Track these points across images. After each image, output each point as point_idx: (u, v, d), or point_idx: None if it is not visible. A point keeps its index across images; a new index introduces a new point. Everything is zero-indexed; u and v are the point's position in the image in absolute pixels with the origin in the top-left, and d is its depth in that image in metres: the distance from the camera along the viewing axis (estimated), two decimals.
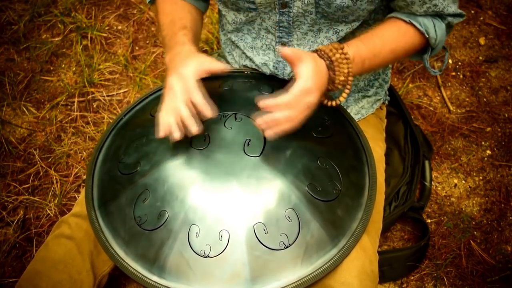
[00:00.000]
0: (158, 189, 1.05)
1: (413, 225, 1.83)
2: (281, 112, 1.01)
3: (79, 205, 1.23)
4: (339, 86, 1.12)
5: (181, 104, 1.05)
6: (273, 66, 1.32)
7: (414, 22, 1.19)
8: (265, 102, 1.01)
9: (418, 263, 1.72)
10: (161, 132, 1.04)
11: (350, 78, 1.12)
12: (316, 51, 1.11)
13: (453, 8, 1.21)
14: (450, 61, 2.31)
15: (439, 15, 1.22)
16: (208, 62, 1.11)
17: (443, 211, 1.86)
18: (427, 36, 1.21)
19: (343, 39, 1.24)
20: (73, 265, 1.14)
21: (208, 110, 1.05)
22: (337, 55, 1.09)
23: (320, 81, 1.06)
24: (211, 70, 1.10)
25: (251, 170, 1.05)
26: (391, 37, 1.20)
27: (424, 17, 1.20)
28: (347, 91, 1.14)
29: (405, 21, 1.20)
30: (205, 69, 1.09)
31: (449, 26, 1.26)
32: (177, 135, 1.04)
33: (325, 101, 1.16)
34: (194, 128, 1.04)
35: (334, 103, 1.17)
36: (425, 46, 1.26)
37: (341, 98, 1.15)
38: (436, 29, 1.21)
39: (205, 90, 1.08)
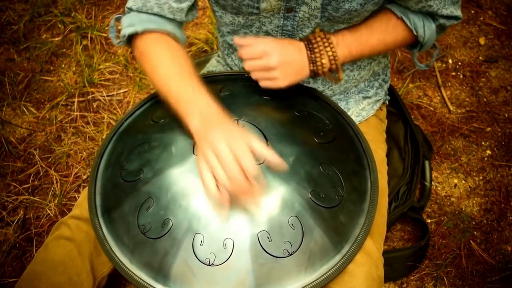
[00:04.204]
0: (161, 197, 1.04)
1: (413, 225, 1.83)
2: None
3: (79, 208, 1.22)
4: (325, 69, 1.20)
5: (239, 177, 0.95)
6: None
7: (405, 19, 1.22)
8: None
9: (418, 263, 1.73)
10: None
11: (338, 63, 1.20)
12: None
13: (448, 10, 1.22)
14: (450, 61, 2.32)
15: (432, 15, 1.24)
16: (257, 144, 0.99)
17: (443, 211, 1.86)
18: (415, 33, 1.25)
19: None
20: (72, 267, 1.14)
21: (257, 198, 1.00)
22: (318, 38, 1.19)
23: (286, 51, 1.17)
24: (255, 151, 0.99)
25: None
26: (380, 28, 1.24)
27: (415, 15, 1.23)
28: (341, 74, 1.23)
29: (396, 15, 1.23)
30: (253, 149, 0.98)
31: (442, 28, 1.29)
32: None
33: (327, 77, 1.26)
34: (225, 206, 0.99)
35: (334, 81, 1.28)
36: (415, 41, 1.30)
37: (340, 75, 1.24)
38: (425, 29, 1.24)
39: None
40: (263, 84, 1.18)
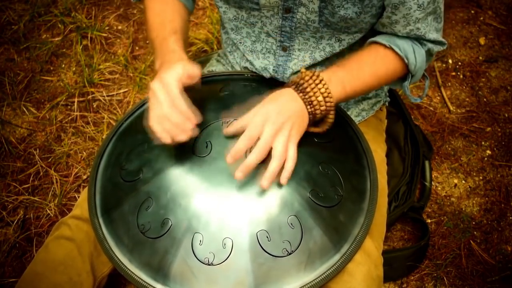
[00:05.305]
0: (161, 197, 1.04)
1: (413, 225, 1.83)
2: (251, 156, 1.02)
3: (79, 208, 1.22)
4: (322, 108, 1.09)
5: (167, 110, 1.03)
6: (273, 70, 1.32)
7: (394, 47, 1.18)
8: (230, 154, 1.02)
9: (418, 263, 1.73)
10: (157, 140, 1.04)
11: (332, 100, 1.10)
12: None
13: (434, 35, 1.20)
14: (450, 61, 2.32)
15: (420, 40, 1.21)
16: (190, 67, 1.08)
17: (443, 211, 1.86)
18: (406, 61, 1.20)
19: (347, 49, 1.25)
20: (73, 267, 1.14)
21: (192, 118, 1.04)
22: (306, 78, 1.09)
23: (277, 104, 1.06)
24: (191, 75, 1.07)
25: (254, 177, 1.04)
26: (370, 60, 1.19)
27: (404, 41, 1.19)
28: (331, 116, 1.13)
29: (385, 45, 1.19)
30: (186, 74, 1.06)
31: (429, 54, 1.25)
32: (168, 141, 1.03)
33: (311, 128, 1.13)
34: (182, 137, 1.02)
35: (319, 130, 1.15)
36: (405, 73, 1.25)
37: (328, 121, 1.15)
38: (415, 55, 1.20)
39: (187, 96, 1.06)
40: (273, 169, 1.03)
